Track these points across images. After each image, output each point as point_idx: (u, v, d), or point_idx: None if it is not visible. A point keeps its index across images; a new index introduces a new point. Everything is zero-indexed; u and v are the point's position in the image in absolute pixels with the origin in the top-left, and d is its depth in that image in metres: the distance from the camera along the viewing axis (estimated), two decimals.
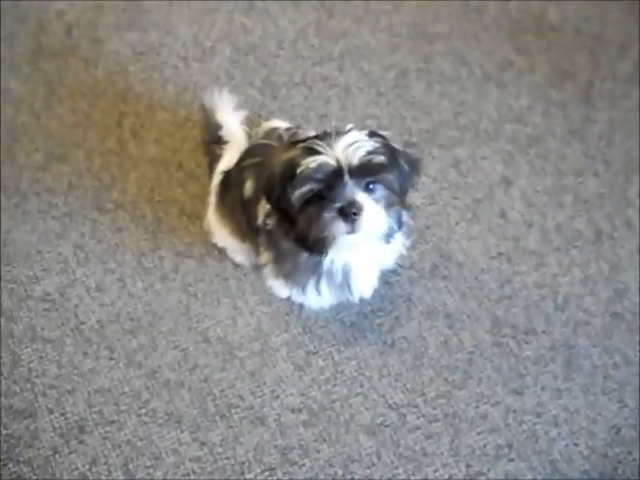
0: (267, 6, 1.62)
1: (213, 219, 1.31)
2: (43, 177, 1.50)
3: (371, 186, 0.99)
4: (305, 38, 1.59)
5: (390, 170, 1.00)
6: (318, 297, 1.19)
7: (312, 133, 1.08)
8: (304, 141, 1.01)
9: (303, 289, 1.17)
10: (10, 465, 1.30)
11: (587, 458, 1.27)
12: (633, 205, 1.43)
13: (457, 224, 1.43)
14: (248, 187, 1.15)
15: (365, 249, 1.08)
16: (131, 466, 1.29)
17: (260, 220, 1.09)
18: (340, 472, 1.27)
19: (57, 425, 1.32)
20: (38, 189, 1.49)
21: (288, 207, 1.01)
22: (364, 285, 1.19)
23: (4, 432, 1.31)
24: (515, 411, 1.30)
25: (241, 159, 1.20)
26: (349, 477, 1.27)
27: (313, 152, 0.97)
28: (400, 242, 1.17)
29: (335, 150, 0.97)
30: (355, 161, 0.97)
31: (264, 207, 1.10)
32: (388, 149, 1.01)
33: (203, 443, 1.30)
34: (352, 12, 1.60)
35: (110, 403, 1.33)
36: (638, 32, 1.58)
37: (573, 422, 1.29)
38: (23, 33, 1.64)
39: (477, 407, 1.30)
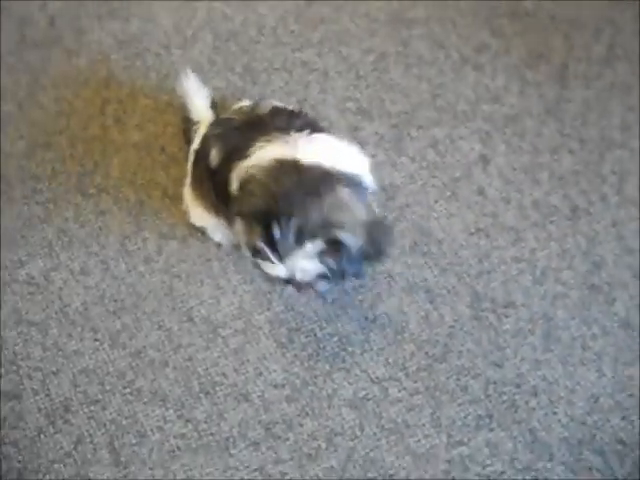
0: None
1: (189, 198, 1.33)
2: (27, 164, 1.51)
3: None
4: (285, 25, 1.62)
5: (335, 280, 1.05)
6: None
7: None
8: (266, 231, 0.99)
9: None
10: None
11: (566, 426, 1.29)
12: (607, 181, 1.46)
13: (436, 202, 1.45)
14: (214, 155, 1.17)
15: None
16: (116, 444, 1.30)
17: (234, 186, 1.11)
18: (324, 445, 1.29)
19: (42, 406, 1.33)
20: (22, 176, 1.50)
21: None
22: None
23: None
24: (495, 382, 1.32)
25: (206, 132, 1.24)
26: (332, 450, 1.28)
27: (266, 257, 1.01)
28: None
29: (286, 266, 1.01)
30: (301, 279, 1.03)
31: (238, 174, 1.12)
32: (336, 270, 1.02)
33: (188, 420, 1.31)
34: None
35: (95, 383, 1.34)
36: (611, 16, 1.61)
37: (552, 392, 1.31)
38: (7, 25, 1.66)
39: (458, 379, 1.32)
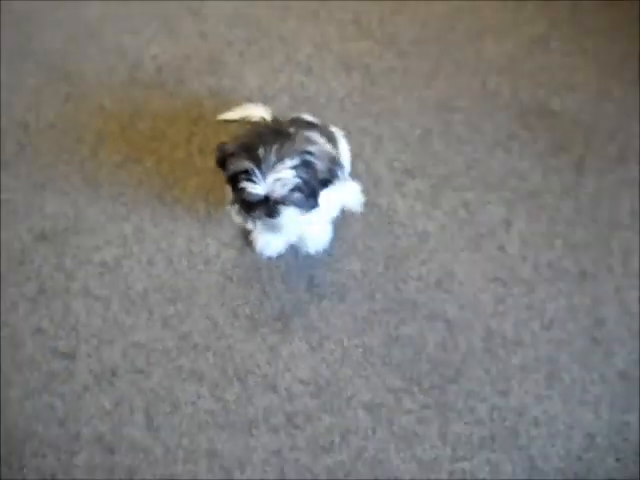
0: (323, 72, 1.99)
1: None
2: (119, 172, 1.78)
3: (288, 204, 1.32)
4: (350, 97, 1.94)
5: (307, 193, 1.32)
6: (266, 244, 1.56)
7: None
8: (253, 151, 1.28)
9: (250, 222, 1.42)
10: (45, 396, 1.46)
11: (563, 459, 1.40)
12: (614, 254, 1.65)
13: (462, 251, 1.66)
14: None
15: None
16: (152, 410, 1.44)
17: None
18: (338, 440, 1.41)
19: (92, 368, 1.49)
20: (113, 181, 1.77)
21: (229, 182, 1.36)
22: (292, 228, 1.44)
23: (44, 368, 1.49)
24: (500, 409, 1.45)
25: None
26: (345, 446, 1.40)
27: (250, 179, 1.28)
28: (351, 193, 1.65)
29: (266, 183, 1.28)
30: (278, 195, 1.30)
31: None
32: (308, 183, 1.31)
33: (219, 399, 1.45)
34: (390, 83, 1.95)
35: (142, 356, 1.50)
36: (626, 124, 1.89)
37: (552, 425, 1.43)
38: (121, 66, 2.01)
39: (466, 401, 1.45)
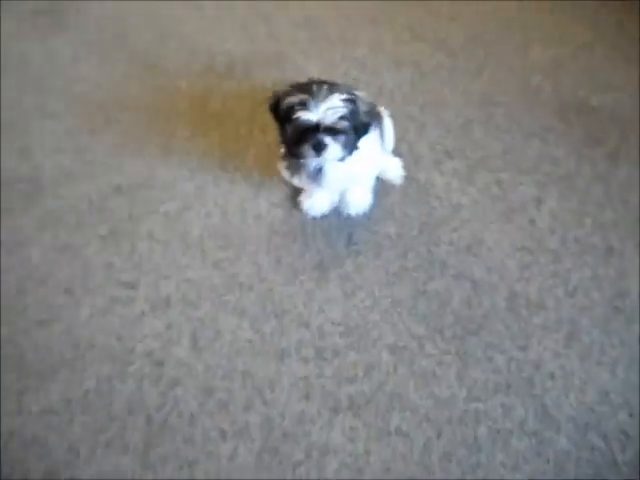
0: (376, 68, 2.19)
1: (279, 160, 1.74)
2: (188, 144, 2.01)
3: (335, 134, 1.49)
4: (400, 89, 2.12)
5: (349, 129, 1.49)
6: (311, 205, 1.74)
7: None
8: (307, 89, 1.48)
9: (296, 177, 1.64)
10: (108, 316, 1.65)
11: (575, 408, 1.45)
12: None
13: (492, 223, 1.77)
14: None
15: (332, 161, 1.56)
16: (198, 335, 1.60)
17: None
18: (361, 374, 1.52)
19: (149, 297, 1.68)
20: (182, 150, 1.99)
21: (281, 124, 1.54)
22: (334, 182, 1.63)
23: (109, 294, 1.69)
24: (518, 360, 1.53)
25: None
26: (367, 379, 1.52)
27: (304, 106, 1.46)
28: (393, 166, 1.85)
29: (319, 109, 1.45)
30: (328, 122, 1.47)
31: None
32: (355, 115, 1.49)
33: (257, 331, 1.60)
34: (439, 78, 2.13)
35: (194, 290, 1.68)
36: None
37: (567, 379, 1.50)
38: (198, 60, 2.28)
39: (485, 351, 1.54)
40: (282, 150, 1.64)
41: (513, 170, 1.88)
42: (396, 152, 1.90)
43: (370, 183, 1.76)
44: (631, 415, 1.44)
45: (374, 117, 1.57)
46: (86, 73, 2.23)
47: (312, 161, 1.55)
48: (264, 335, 1.60)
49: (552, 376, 1.50)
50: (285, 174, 1.69)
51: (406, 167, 1.88)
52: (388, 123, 1.83)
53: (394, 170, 1.86)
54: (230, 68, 2.24)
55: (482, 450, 1.41)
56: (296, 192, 1.82)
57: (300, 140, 1.50)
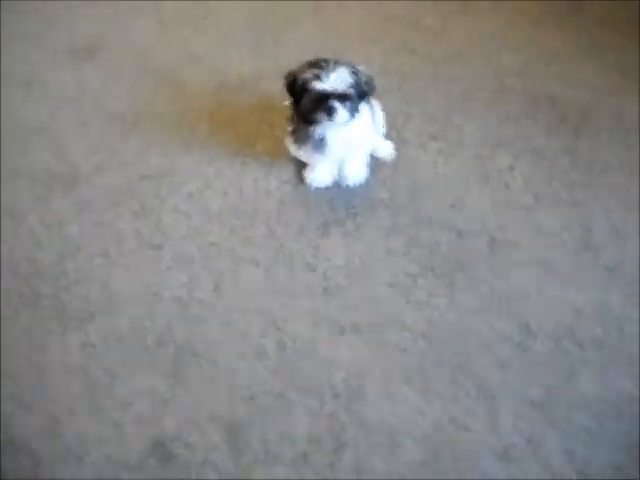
0: None
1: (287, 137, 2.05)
2: (206, 139, 2.30)
3: (343, 101, 1.81)
4: (388, 91, 2.43)
5: (354, 96, 1.83)
6: (314, 178, 2.02)
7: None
8: (318, 65, 1.80)
9: (302, 149, 1.95)
10: (137, 272, 1.89)
11: (555, 327, 1.65)
12: (604, 189, 1.97)
13: (472, 187, 2.03)
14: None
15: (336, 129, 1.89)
16: (218, 281, 1.84)
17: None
18: (363, 305, 1.74)
19: (174, 256, 1.92)
20: (201, 144, 2.27)
21: (296, 97, 1.87)
22: (335, 149, 1.94)
23: (139, 255, 1.93)
24: (499, 289, 1.74)
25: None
26: (367, 308, 1.73)
27: (318, 78, 1.79)
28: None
29: (329, 79, 1.78)
30: (339, 90, 1.79)
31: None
32: (358, 84, 1.83)
33: (270, 276, 1.84)
34: (423, 81, 2.45)
35: (214, 250, 1.93)
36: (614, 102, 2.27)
37: (546, 302, 1.70)
38: (214, 77, 2.62)
39: (471, 282, 1.77)
40: (290, 128, 1.93)
41: (490, 146, 2.16)
42: (386, 137, 2.19)
43: (365, 157, 2.04)
44: (604, 331, 1.64)
45: (371, 87, 1.90)
46: (116, 91, 2.56)
47: (319, 128, 1.87)
48: (276, 280, 1.82)
49: (529, 298, 1.71)
50: (292, 148, 1.98)
51: (396, 148, 2.16)
52: (379, 112, 2.12)
53: (385, 150, 2.14)
54: (241, 82, 2.57)
55: (471, 357, 1.61)
56: (301, 167, 2.09)
57: (315, 107, 1.82)
